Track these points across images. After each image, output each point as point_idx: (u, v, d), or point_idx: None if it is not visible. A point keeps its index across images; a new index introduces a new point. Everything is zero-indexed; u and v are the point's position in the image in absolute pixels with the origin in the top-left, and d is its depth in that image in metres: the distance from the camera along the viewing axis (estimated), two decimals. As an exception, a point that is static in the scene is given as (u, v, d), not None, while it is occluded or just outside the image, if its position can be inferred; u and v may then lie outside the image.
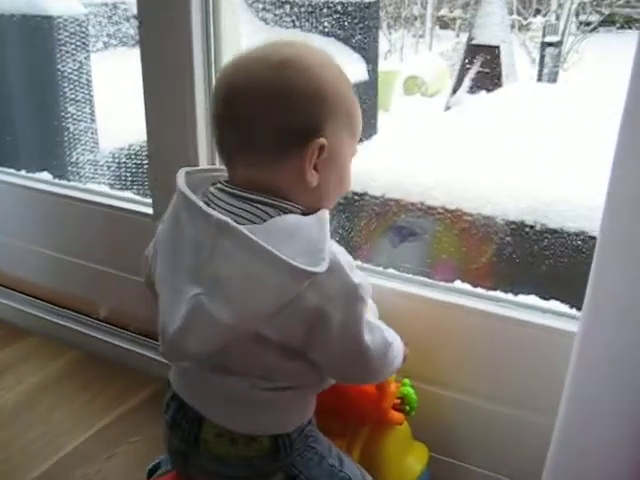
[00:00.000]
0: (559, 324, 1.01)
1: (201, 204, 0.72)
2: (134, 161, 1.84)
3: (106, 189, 1.51)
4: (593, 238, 0.75)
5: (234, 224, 0.68)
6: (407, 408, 0.98)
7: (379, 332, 0.80)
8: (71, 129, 1.75)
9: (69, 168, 1.77)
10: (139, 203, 1.42)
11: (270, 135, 0.73)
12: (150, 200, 1.35)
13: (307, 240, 0.70)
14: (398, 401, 0.98)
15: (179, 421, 0.83)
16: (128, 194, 1.47)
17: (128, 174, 1.82)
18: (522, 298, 1.09)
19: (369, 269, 1.19)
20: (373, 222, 1.47)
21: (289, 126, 0.73)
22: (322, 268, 0.68)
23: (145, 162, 1.68)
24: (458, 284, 1.14)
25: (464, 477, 1.15)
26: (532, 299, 1.09)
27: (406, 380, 1.01)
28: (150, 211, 1.35)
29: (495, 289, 1.15)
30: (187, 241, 0.72)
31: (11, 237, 1.63)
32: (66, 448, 1.26)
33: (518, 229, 1.36)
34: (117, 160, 1.81)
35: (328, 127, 0.74)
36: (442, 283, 1.14)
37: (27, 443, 1.28)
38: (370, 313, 0.81)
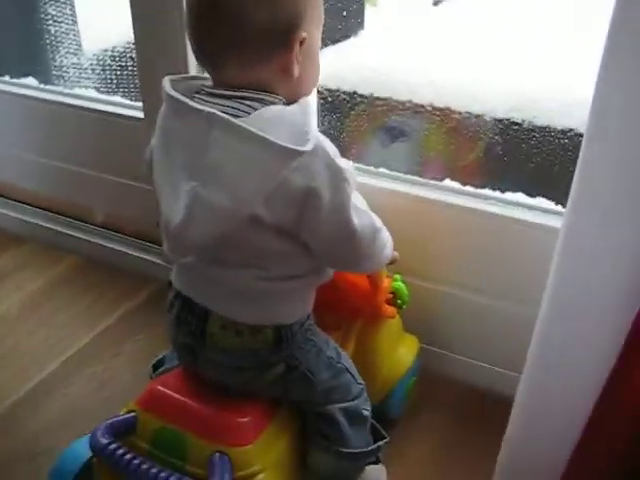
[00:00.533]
0: (544, 220, 1.06)
1: (191, 103, 0.74)
2: (119, 63, 1.80)
3: (94, 93, 1.50)
4: (580, 135, 0.78)
5: (222, 115, 0.71)
6: (399, 302, 1.02)
7: (367, 216, 0.83)
8: (52, 31, 1.71)
9: (54, 72, 1.74)
10: (129, 107, 1.42)
11: (258, 35, 0.74)
12: (140, 104, 1.35)
13: (292, 125, 0.73)
14: (390, 295, 1.02)
15: (184, 317, 0.86)
16: (117, 98, 1.46)
17: (114, 77, 1.79)
18: (509, 195, 1.13)
19: (360, 168, 1.22)
20: (363, 122, 1.48)
21: (275, 24, 0.74)
22: (308, 147, 0.71)
23: (130, 65, 1.66)
24: (447, 182, 1.18)
25: (451, 365, 1.22)
26: (519, 196, 1.13)
27: (397, 276, 1.04)
28: (141, 115, 1.35)
29: (484, 187, 1.19)
30: (179, 141, 0.75)
31: (2, 145, 1.62)
32: (72, 349, 1.32)
33: (506, 127, 1.38)
34: (102, 63, 1.77)
35: (306, 17, 0.77)
36: (432, 181, 1.17)
37: (33, 346, 1.33)
38: (358, 200, 0.83)
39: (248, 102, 0.75)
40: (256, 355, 0.85)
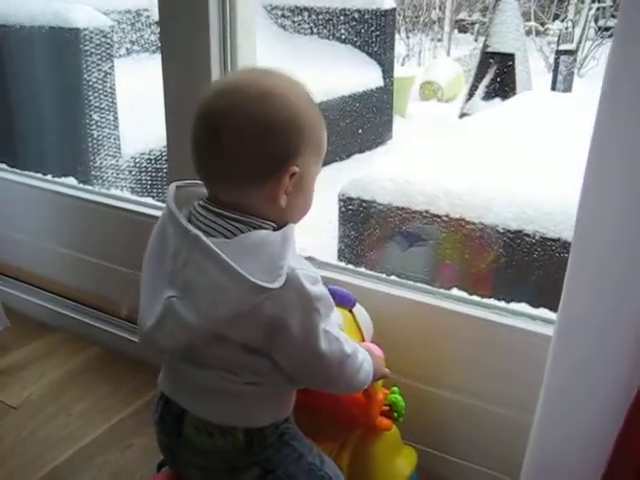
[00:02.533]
0: (546, 330, 1.07)
1: (182, 220, 0.80)
2: (154, 166, 1.92)
3: (128, 194, 1.59)
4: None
5: (205, 240, 0.77)
6: (395, 415, 1.03)
7: (337, 344, 0.84)
8: (95, 135, 1.84)
9: (93, 173, 1.86)
10: (159, 209, 1.50)
11: (251, 165, 0.80)
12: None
13: (269, 256, 0.77)
14: (387, 408, 1.03)
15: (165, 417, 0.90)
16: (149, 199, 1.55)
17: (148, 178, 1.90)
18: (513, 305, 1.15)
19: (371, 276, 1.27)
20: (379, 229, 1.54)
21: (269, 156, 0.79)
22: (277, 284, 0.75)
23: (164, 167, 1.76)
24: (454, 292, 1.21)
25: (451, 470, 1.22)
26: (523, 306, 1.15)
27: (395, 388, 1.06)
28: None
29: (491, 296, 1.21)
30: (169, 251, 0.81)
31: (38, 238, 1.72)
32: (88, 437, 1.35)
33: (517, 238, 1.42)
34: (138, 165, 1.89)
35: (301, 155, 0.81)
36: (440, 290, 1.21)
37: (51, 432, 1.36)
38: (331, 325, 0.84)
39: (236, 224, 0.81)
40: (228, 457, 0.87)
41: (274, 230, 0.82)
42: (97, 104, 1.84)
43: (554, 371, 0.83)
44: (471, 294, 1.21)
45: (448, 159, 1.82)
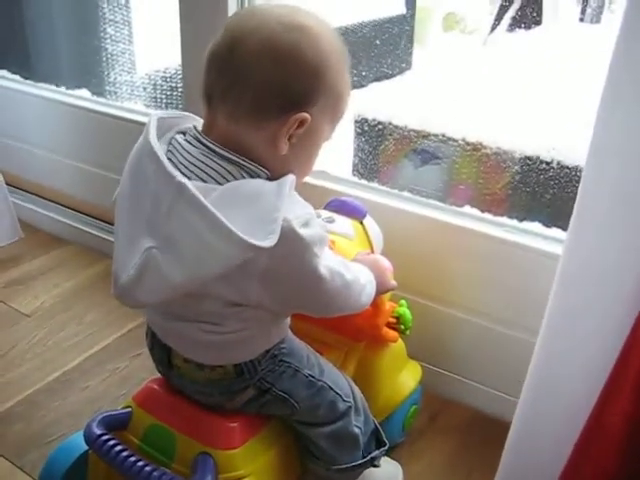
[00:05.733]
0: (557, 249, 1.05)
1: (166, 161, 0.72)
2: (169, 84, 1.88)
3: (142, 107, 1.57)
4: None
5: (193, 190, 0.69)
6: (402, 327, 1.02)
7: (338, 277, 0.80)
8: (109, 49, 1.81)
9: (107, 87, 1.83)
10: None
11: (258, 89, 0.73)
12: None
13: (262, 208, 0.71)
14: (394, 320, 1.02)
15: (154, 348, 0.89)
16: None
17: (163, 97, 1.87)
18: (525, 224, 1.13)
19: (383, 191, 1.25)
20: (393, 147, 1.51)
21: (280, 88, 0.73)
22: (270, 243, 0.68)
23: (180, 86, 1.73)
24: (467, 209, 1.19)
25: (454, 388, 1.23)
26: (535, 225, 1.13)
27: (403, 301, 1.05)
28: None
29: (502, 215, 1.19)
30: (148, 192, 0.73)
31: (50, 151, 1.71)
32: (98, 346, 1.37)
33: (534, 164, 1.39)
34: (153, 82, 1.86)
35: (317, 104, 0.75)
36: (450, 207, 1.19)
37: (62, 339, 1.39)
38: (329, 259, 0.79)
39: (227, 166, 0.74)
40: (220, 385, 0.85)
41: (268, 179, 0.75)
42: (112, 17, 1.80)
43: (554, 310, 0.82)
44: (484, 212, 1.19)
45: (467, 87, 1.77)
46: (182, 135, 0.78)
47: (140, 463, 0.82)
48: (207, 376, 0.85)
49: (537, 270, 1.06)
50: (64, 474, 0.93)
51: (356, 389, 0.97)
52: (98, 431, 0.86)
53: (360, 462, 0.96)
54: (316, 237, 0.75)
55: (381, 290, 0.94)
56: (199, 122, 0.80)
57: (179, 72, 1.72)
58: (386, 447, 0.99)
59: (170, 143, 0.77)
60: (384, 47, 2.05)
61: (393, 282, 0.97)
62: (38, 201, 1.79)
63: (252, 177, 0.75)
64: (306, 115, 0.74)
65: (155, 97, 1.90)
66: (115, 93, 1.85)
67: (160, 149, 0.74)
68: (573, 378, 0.82)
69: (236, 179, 0.74)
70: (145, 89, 1.90)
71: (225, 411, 0.88)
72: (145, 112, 1.57)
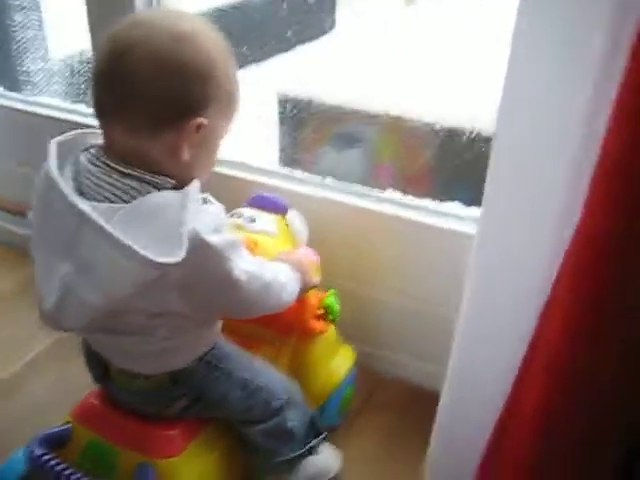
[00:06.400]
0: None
1: (66, 191, 0.73)
2: (86, 67, 1.83)
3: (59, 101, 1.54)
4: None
5: (94, 217, 0.71)
6: (330, 318, 1.06)
7: (255, 280, 0.82)
8: (18, 38, 1.75)
9: (21, 78, 1.77)
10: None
11: (152, 103, 0.74)
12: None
13: (168, 223, 0.72)
14: (322, 311, 1.05)
15: (89, 358, 0.92)
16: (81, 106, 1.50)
17: (81, 80, 1.82)
18: (446, 206, 1.17)
19: (307, 180, 1.26)
20: (318, 130, 1.51)
21: (173, 99, 0.75)
22: (177, 258, 0.70)
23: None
24: (389, 193, 1.22)
25: (385, 364, 1.28)
26: (455, 206, 1.17)
27: (331, 290, 1.08)
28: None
29: (426, 195, 1.23)
30: (57, 220, 0.75)
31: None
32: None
33: (454, 135, 1.40)
34: (69, 68, 1.80)
35: (210, 108, 0.77)
36: (374, 193, 1.21)
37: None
38: (244, 261, 0.81)
39: (131, 182, 0.75)
40: (156, 394, 0.88)
41: (174, 188, 0.77)
42: (19, 3, 1.73)
43: (476, 267, 0.85)
44: (406, 194, 1.22)
45: (388, 53, 1.76)
46: (86, 153, 0.79)
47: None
48: (142, 385, 0.88)
49: (455, 251, 1.10)
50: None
51: (291, 383, 1.00)
52: (39, 452, 0.88)
53: (299, 453, 1.00)
54: (227, 242, 0.77)
55: (304, 287, 0.96)
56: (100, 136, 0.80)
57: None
58: (323, 436, 1.03)
59: (75, 165, 0.78)
60: (305, 7, 2.00)
61: (316, 279, 0.99)
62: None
63: (158, 189, 0.76)
64: (202, 120, 0.76)
65: (72, 83, 1.84)
66: (30, 83, 1.79)
67: (60, 179, 0.75)
68: (492, 362, 0.86)
69: (142, 194, 0.75)
70: (61, 75, 1.85)
71: (163, 419, 0.90)
72: (60, 106, 1.53)
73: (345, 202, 1.21)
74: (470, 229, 1.10)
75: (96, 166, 0.77)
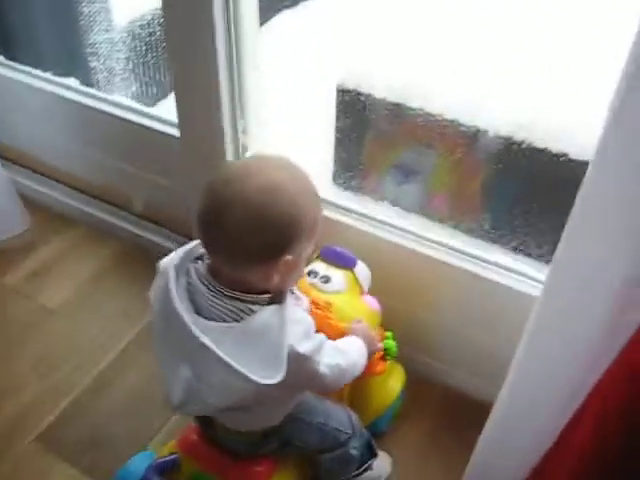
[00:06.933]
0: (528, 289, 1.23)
1: (190, 324, 0.89)
2: (148, 30, 1.86)
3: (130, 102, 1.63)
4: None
5: (214, 349, 0.87)
6: (388, 357, 1.22)
7: (337, 369, 0.99)
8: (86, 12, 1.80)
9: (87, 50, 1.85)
10: (167, 124, 1.56)
11: (252, 251, 0.88)
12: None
13: (270, 346, 0.88)
14: (382, 352, 1.21)
15: None
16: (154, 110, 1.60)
17: (142, 44, 1.86)
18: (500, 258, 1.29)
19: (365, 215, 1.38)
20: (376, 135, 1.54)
21: (266, 246, 0.88)
22: (280, 378, 0.87)
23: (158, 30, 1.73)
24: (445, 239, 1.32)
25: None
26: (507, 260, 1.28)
27: (389, 333, 1.24)
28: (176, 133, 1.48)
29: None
30: (178, 332, 0.90)
31: (55, 132, 1.76)
32: (126, 338, 1.56)
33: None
34: (131, 34, 1.85)
35: (299, 243, 0.90)
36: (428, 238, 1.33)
37: (92, 336, 1.57)
38: (327, 355, 0.97)
39: (237, 303, 0.90)
40: (248, 442, 1.09)
41: (269, 301, 0.92)
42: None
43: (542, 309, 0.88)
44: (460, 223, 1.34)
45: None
46: (195, 267, 0.95)
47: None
48: (239, 437, 1.08)
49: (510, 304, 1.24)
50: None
51: (353, 417, 1.20)
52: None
53: (359, 472, 1.23)
54: (315, 348, 0.95)
55: (371, 354, 1.14)
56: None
57: (155, 16, 1.75)
58: (377, 456, 1.26)
59: (187, 275, 0.94)
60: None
61: (380, 345, 1.18)
62: (41, 179, 1.87)
63: (255, 304, 0.91)
64: (289, 257, 0.90)
65: (135, 47, 1.90)
66: (96, 54, 1.86)
67: (183, 309, 0.91)
68: (555, 380, 0.91)
69: (245, 313, 0.91)
70: (124, 42, 1.90)
71: (247, 454, 1.11)
72: (133, 107, 1.62)
73: (402, 245, 1.32)
74: (524, 288, 1.23)
75: (207, 287, 0.92)
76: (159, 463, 1.13)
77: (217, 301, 0.92)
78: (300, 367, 0.93)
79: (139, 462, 1.19)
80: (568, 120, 1.36)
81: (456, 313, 1.36)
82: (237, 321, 0.91)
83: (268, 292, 0.93)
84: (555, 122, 1.37)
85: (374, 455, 1.25)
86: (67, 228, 1.83)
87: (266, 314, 0.91)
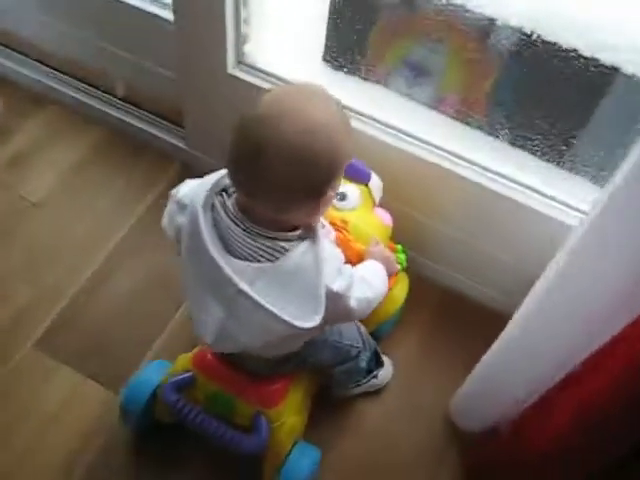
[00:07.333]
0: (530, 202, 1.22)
1: (227, 269, 0.87)
2: None
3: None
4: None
5: (252, 294, 0.86)
6: (398, 270, 1.20)
7: (365, 302, 1.00)
8: None
9: None
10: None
11: (295, 194, 0.85)
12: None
13: (307, 287, 0.88)
14: None
15: None
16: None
17: None
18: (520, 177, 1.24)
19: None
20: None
21: (309, 187, 0.85)
22: (318, 320, 0.88)
23: None
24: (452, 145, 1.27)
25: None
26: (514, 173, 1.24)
27: (399, 246, 1.23)
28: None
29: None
30: (211, 274, 0.88)
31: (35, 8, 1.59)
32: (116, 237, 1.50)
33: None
34: None
35: (338, 179, 0.89)
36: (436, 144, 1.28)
37: (80, 234, 1.50)
38: (357, 288, 0.97)
39: (270, 242, 0.88)
40: (268, 363, 1.09)
41: (300, 237, 0.90)
42: None
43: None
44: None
45: None
46: (221, 201, 0.90)
47: (214, 423, 1.09)
48: (258, 361, 1.09)
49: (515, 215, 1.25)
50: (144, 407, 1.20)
51: (362, 329, 1.22)
52: (174, 397, 1.11)
53: (366, 379, 1.29)
54: (347, 285, 0.95)
55: (390, 275, 1.14)
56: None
57: None
58: (383, 366, 1.30)
59: (213, 210, 0.90)
60: None
61: (397, 266, 1.17)
62: (9, 54, 1.70)
63: (287, 241, 0.89)
64: (331, 193, 0.88)
65: None
66: None
67: (217, 252, 0.88)
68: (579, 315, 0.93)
69: (279, 252, 0.88)
70: None
71: (265, 374, 1.13)
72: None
73: (410, 152, 1.27)
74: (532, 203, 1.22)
75: (237, 225, 0.89)
76: (176, 381, 1.13)
77: (249, 240, 0.88)
78: (334, 305, 0.92)
79: (152, 371, 1.22)
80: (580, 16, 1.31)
81: (461, 221, 1.35)
82: (271, 261, 0.88)
83: (297, 227, 0.90)
84: (567, 16, 1.32)
85: (380, 365, 1.30)
86: (41, 111, 1.68)
87: (299, 252, 0.89)
